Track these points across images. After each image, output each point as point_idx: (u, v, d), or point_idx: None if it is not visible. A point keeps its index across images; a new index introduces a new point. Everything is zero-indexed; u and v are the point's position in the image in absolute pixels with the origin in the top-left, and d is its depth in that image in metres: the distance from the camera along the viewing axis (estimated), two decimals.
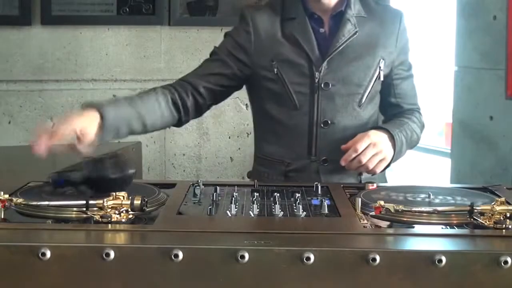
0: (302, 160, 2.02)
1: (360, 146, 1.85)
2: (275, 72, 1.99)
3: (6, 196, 1.46)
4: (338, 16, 2.02)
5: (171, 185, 1.76)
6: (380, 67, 2.03)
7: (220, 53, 2.05)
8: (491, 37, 3.19)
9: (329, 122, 2.00)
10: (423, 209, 1.47)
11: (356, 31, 2.00)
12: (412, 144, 2.07)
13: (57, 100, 3.30)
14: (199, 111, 2.06)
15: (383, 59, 2.03)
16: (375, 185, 1.75)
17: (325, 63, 1.98)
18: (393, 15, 2.10)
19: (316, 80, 1.98)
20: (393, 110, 2.14)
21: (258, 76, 2.03)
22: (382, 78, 2.05)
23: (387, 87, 2.10)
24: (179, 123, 2.05)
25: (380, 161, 1.88)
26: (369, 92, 2.03)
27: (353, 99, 2.01)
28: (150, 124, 1.95)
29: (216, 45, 2.10)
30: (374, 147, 1.86)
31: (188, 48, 3.41)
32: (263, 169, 2.09)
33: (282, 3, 2.05)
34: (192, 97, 2.01)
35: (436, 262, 1.23)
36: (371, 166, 1.87)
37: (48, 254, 1.23)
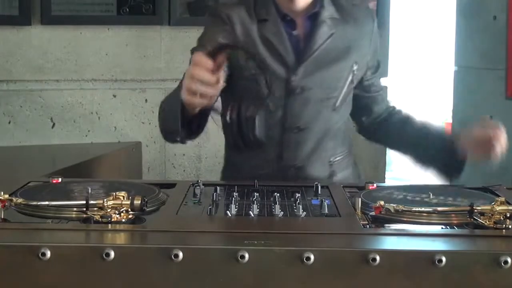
0: (272, 165, 1.96)
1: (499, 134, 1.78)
2: (252, 73, 1.90)
3: (6, 196, 1.46)
4: (313, 18, 1.94)
5: (171, 185, 1.76)
6: (353, 71, 1.97)
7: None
8: (491, 37, 3.19)
9: (302, 127, 1.94)
10: (423, 209, 1.47)
11: (332, 33, 1.93)
12: None
13: (57, 100, 3.30)
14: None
15: (356, 63, 1.97)
16: (375, 185, 1.75)
17: (301, 67, 1.91)
18: (366, 15, 2.04)
19: (292, 84, 1.91)
20: (372, 101, 2.10)
21: (233, 76, 1.90)
22: (354, 83, 2.00)
23: (364, 87, 2.06)
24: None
25: None
26: (343, 96, 1.97)
27: (328, 103, 1.95)
28: None
29: None
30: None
31: (188, 48, 3.37)
32: (232, 174, 2.03)
33: (254, 2, 1.95)
34: None
35: (436, 262, 1.23)
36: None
37: (48, 254, 1.23)
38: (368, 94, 2.10)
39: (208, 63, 1.56)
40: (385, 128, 2.13)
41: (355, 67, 1.97)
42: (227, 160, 2.11)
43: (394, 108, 2.15)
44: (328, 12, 1.95)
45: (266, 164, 1.96)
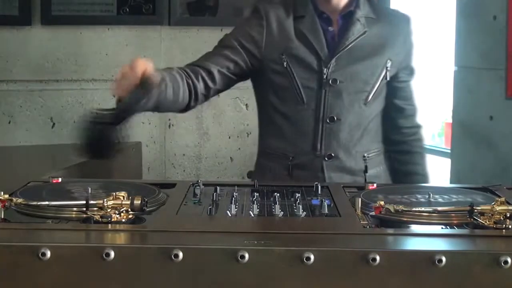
0: (306, 155, 2.05)
1: None
2: (284, 66, 2.02)
3: (6, 196, 1.46)
4: (348, 16, 2.07)
5: (171, 185, 1.76)
6: (387, 67, 2.08)
7: (231, 41, 2.06)
8: (491, 37, 3.19)
9: (335, 118, 2.04)
10: (423, 209, 1.47)
11: (365, 31, 2.05)
12: None
13: (57, 100, 3.30)
14: (206, 97, 2.04)
15: (390, 60, 2.08)
16: (375, 185, 1.75)
17: (333, 60, 2.02)
18: (401, 19, 2.17)
19: (324, 76, 2.02)
20: (397, 113, 2.19)
21: (266, 69, 2.05)
22: (388, 78, 2.10)
23: (393, 89, 2.15)
24: (186, 108, 2.01)
25: None
26: (375, 91, 2.07)
27: (360, 97, 2.06)
28: (173, 99, 1.90)
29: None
30: None
31: (188, 48, 3.41)
32: (266, 162, 2.13)
33: (293, 1, 2.09)
34: (202, 82, 2.00)
35: (436, 262, 1.23)
36: None
37: (48, 254, 1.23)
38: (395, 100, 2.17)
39: (127, 71, 1.71)
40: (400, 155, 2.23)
41: (389, 64, 2.07)
42: (262, 149, 2.18)
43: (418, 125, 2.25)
44: (363, 11, 2.07)
45: (300, 154, 2.06)
